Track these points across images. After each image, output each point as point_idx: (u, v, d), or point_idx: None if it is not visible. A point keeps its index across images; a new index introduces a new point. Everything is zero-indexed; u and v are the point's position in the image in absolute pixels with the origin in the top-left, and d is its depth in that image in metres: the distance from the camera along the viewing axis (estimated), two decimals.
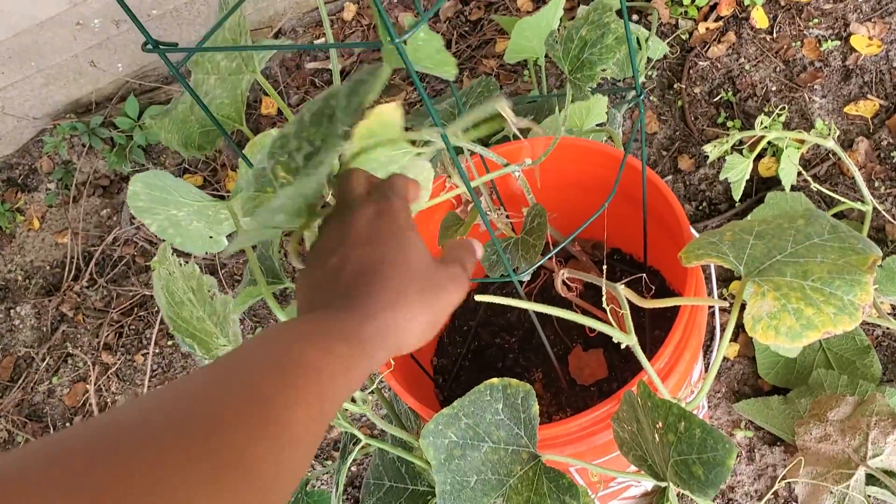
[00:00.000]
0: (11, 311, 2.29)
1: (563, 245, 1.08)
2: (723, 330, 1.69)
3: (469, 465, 1.02)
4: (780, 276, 1.01)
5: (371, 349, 0.54)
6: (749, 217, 1.67)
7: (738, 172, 1.69)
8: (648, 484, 1.42)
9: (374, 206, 0.63)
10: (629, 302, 1.06)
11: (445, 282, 0.62)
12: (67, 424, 2.04)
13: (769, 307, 0.99)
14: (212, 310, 1.01)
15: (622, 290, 1.06)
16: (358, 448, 1.10)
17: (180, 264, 0.96)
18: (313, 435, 0.48)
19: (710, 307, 1.46)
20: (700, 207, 1.86)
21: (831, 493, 1.37)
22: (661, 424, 0.92)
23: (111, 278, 2.22)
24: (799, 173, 1.72)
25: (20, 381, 2.14)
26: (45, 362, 2.15)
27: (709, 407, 1.66)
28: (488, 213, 1.31)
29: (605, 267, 1.08)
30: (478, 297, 0.97)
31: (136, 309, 2.17)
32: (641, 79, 1.74)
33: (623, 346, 1.41)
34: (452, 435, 1.02)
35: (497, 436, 1.02)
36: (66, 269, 2.30)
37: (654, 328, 1.40)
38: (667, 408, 0.91)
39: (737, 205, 1.81)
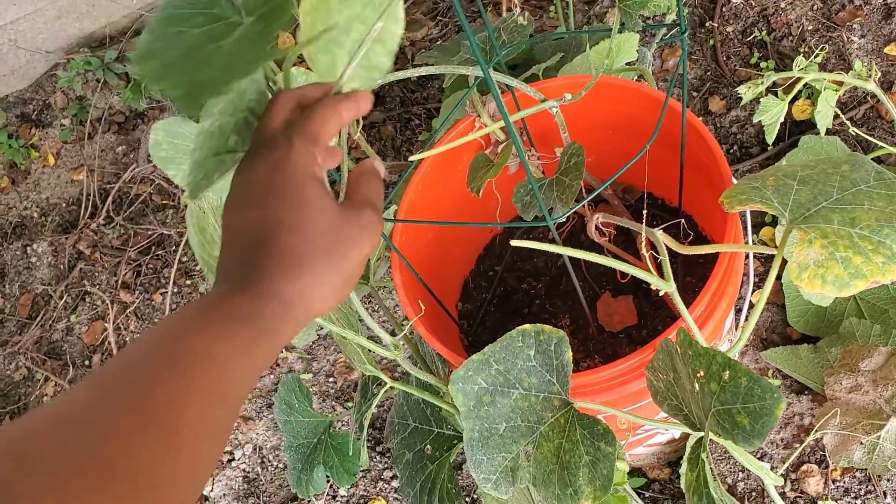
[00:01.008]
0: (28, 248, 2.27)
1: (602, 188, 1.04)
2: (756, 279, 1.66)
3: (498, 412, 1.00)
4: (827, 223, 0.98)
5: (273, 324, 0.52)
6: (784, 161, 1.62)
7: (772, 115, 1.63)
8: (676, 431, 1.41)
9: (274, 153, 0.56)
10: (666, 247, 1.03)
11: (355, 234, 0.57)
12: (87, 363, 2.04)
13: (816, 255, 0.95)
14: None
15: (661, 235, 1.03)
16: (382, 392, 1.08)
17: (212, 197, 0.93)
18: (216, 422, 0.47)
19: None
20: (731, 151, 1.81)
21: (861, 443, 1.35)
22: (702, 373, 0.90)
23: (128, 216, 2.20)
24: (835, 116, 1.66)
25: (38, 319, 2.14)
26: (63, 300, 2.14)
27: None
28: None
29: (645, 212, 1.05)
30: (513, 243, 0.94)
31: (153, 248, 2.15)
32: (672, 16, 1.67)
33: (654, 294, 1.38)
34: (482, 381, 1.00)
35: (528, 382, 1.00)
36: (83, 206, 2.27)
37: (686, 275, 1.36)
38: (710, 356, 0.88)
39: (769, 148, 1.76)
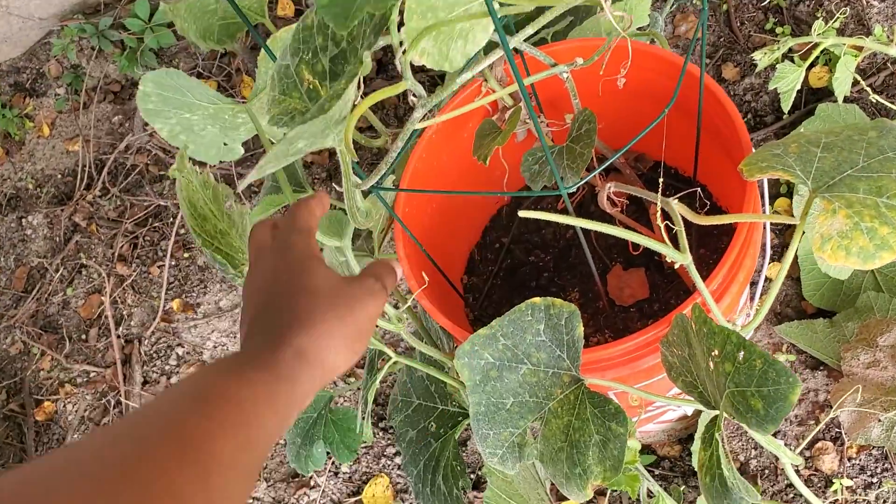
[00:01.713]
0: (23, 220, 2.23)
1: (616, 157, 0.99)
2: (773, 251, 1.61)
3: (506, 387, 0.96)
4: (853, 192, 0.93)
5: (290, 373, 0.57)
6: (801, 129, 1.57)
7: (788, 82, 1.58)
8: (688, 408, 1.37)
9: (275, 251, 0.67)
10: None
11: (360, 294, 0.65)
12: (83, 337, 2.00)
13: (840, 225, 0.91)
14: (230, 222, 0.93)
15: (676, 205, 0.98)
16: (387, 367, 1.04)
17: (198, 172, 0.88)
18: (244, 464, 0.50)
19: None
20: (744, 119, 1.76)
21: (879, 420, 1.31)
22: (717, 352, 0.85)
23: (124, 188, 2.15)
24: (853, 83, 1.61)
25: (34, 292, 2.10)
26: (59, 273, 2.10)
27: None
28: (528, 120, 1.22)
29: (661, 181, 1.00)
30: (522, 213, 0.89)
31: (150, 220, 2.10)
32: None
33: (667, 266, 1.34)
34: (489, 356, 0.95)
35: (537, 357, 0.95)
36: (78, 177, 2.22)
37: (700, 247, 1.32)
38: (724, 335, 0.84)
39: (784, 117, 1.70)
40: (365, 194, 0.96)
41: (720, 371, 0.86)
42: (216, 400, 0.51)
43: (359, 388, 1.62)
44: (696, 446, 1.35)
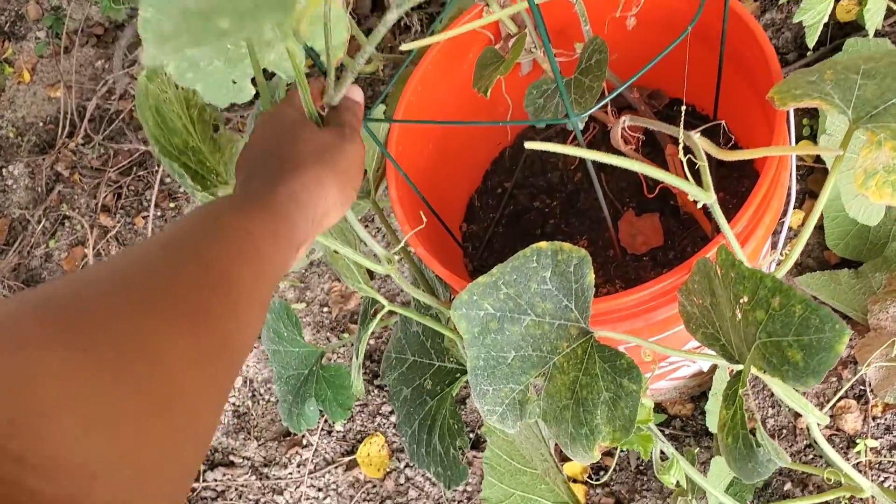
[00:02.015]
0: (4, 170, 2.12)
1: (628, 84, 0.88)
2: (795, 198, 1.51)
3: (507, 340, 0.87)
4: None
5: (287, 213, 0.60)
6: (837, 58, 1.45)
7: (814, 14, 1.46)
8: (704, 364, 1.28)
9: (268, 119, 0.72)
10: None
11: (338, 142, 0.70)
12: None
13: (886, 159, 0.81)
14: (214, 146, 0.84)
15: (699, 139, 0.88)
16: (379, 316, 0.95)
17: (177, 86, 0.79)
18: (260, 294, 0.53)
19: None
20: None
21: None
22: (746, 299, 0.76)
23: (108, 135, 2.04)
24: (887, 14, 1.49)
25: (16, 245, 2.00)
26: (42, 225, 2.00)
27: None
28: (533, 49, 1.11)
29: (683, 111, 0.89)
30: (528, 145, 0.79)
31: (134, 168, 2.00)
32: None
33: (683, 212, 1.24)
34: (489, 306, 0.86)
35: (542, 308, 0.86)
36: (60, 125, 2.11)
37: (719, 190, 1.21)
38: (757, 279, 0.74)
39: (808, 54, 1.59)
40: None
41: (750, 320, 0.76)
42: (231, 231, 0.53)
43: (352, 345, 1.54)
44: (709, 405, 1.26)
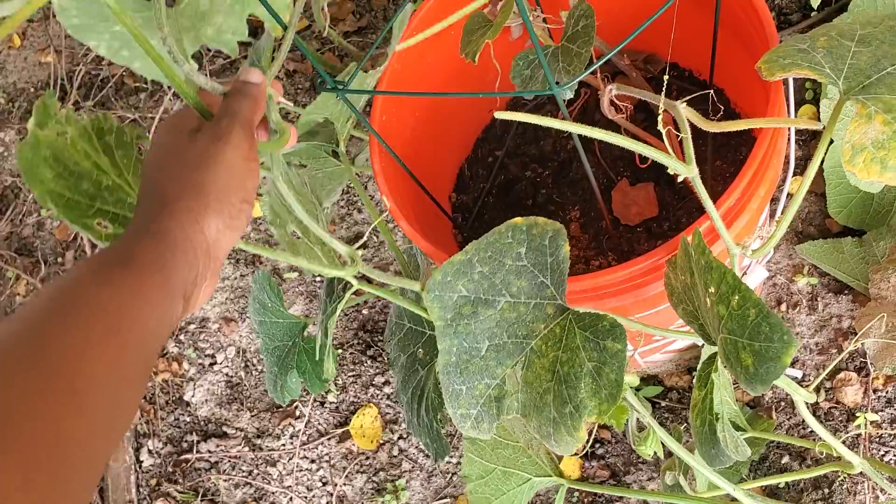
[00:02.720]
0: None
1: (611, 54, 0.85)
2: (797, 165, 1.47)
3: (480, 327, 0.84)
4: (893, 93, 0.79)
5: (157, 260, 0.52)
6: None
7: None
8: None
9: (164, 125, 0.64)
10: (691, 125, 0.84)
11: (210, 146, 0.59)
12: (59, 259, 1.91)
13: (876, 133, 0.77)
14: (138, 171, 0.76)
15: (683, 109, 0.84)
16: (348, 294, 0.92)
17: (80, 118, 0.69)
18: (121, 374, 0.46)
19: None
20: None
21: None
22: (713, 290, 0.73)
23: (98, 101, 2.01)
24: None
25: (8, 213, 1.99)
26: (33, 193, 1.99)
27: None
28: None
29: (666, 79, 0.86)
30: (497, 114, 0.76)
31: None
32: None
33: (678, 181, 1.20)
34: (462, 288, 0.83)
35: (517, 286, 0.83)
36: (50, 91, 2.09)
37: (716, 159, 1.18)
38: (720, 273, 0.72)
39: (812, 14, 1.54)
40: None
41: (714, 312, 0.74)
42: (81, 309, 0.46)
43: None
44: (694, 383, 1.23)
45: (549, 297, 0.83)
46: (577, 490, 1.39)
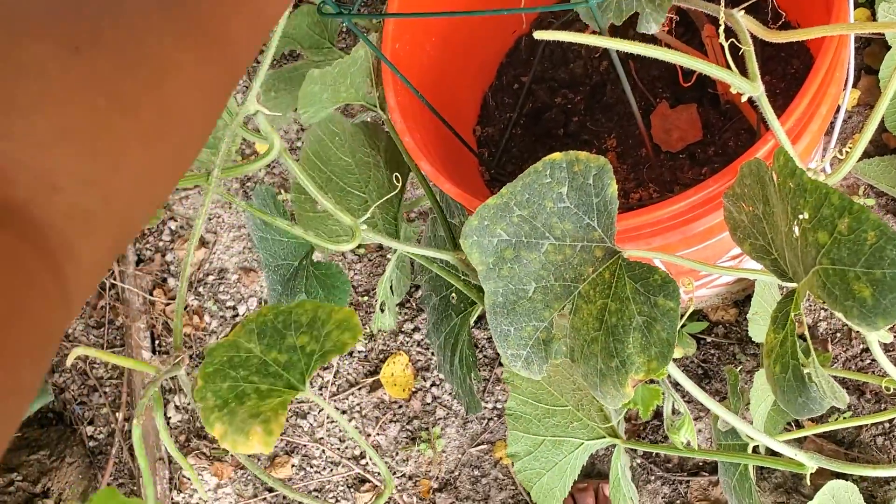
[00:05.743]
0: None
1: None
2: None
3: (525, 270, 0.76)
4: None
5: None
6: None
7: None
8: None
9: None
10: (732, 37, 0.74)
11: None
12: None
13: None
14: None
15: (742, 18, 0.74)
16: (395, 257, 0.84)
17: None
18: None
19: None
20: None
21: None
22: (807, 215, 0.64)
23: None
24: None
25: None
26: None
27: None
28: None
29: None
30: (537, 34, 0.66)
31: None
32: None
33: (723, 101, 1.10)
34: (502, 232, 0.75)
35: (561, 230, 0.75)
36: None
37: (764, 74, 1.07)
38: (821, 194, 0.62)
39: None
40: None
41: (810, 241, 0.64)
42: None
43: None
44: (751, 312, 1.14)
45: (598, 239, 0.74)
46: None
